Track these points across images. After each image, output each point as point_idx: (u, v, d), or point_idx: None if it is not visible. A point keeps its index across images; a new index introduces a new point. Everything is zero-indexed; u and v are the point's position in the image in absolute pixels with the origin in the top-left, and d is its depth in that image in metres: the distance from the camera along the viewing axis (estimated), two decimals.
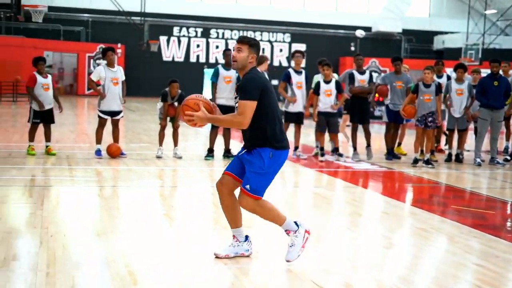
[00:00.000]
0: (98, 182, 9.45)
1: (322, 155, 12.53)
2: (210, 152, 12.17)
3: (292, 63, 13.32)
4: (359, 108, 12.87)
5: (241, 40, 5.36)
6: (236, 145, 13.90)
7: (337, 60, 39.17)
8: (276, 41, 41.22)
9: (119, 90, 11.80)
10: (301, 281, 5.05)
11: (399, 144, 13.89)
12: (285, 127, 12.68)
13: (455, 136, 13.39)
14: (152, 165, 11.14)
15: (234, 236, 5.56)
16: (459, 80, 12.88)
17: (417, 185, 10.56)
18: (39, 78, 11.75)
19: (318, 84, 12.40)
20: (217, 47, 40.71)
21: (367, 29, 40.05)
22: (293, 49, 41.03)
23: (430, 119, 12.07)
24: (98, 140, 11.77)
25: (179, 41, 40.66)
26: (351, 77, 12.89)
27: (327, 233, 6.76)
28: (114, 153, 11.63)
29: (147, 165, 11.10)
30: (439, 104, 12.15)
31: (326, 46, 39.25)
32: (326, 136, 12.73)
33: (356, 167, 11.97)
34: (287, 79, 12.68)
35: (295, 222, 5.50)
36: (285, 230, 5.46)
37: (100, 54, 38.11)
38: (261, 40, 40.75)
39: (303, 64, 13.13)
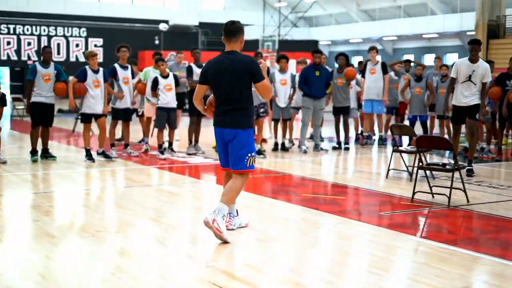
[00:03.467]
0: None
1: (162, 153, 12.19)
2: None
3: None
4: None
5: None
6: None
7: (136, 54, 38.61)
8: (72, 36, 39.68)
9: None
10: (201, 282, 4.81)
11: None
12: (113, 125, 12.28)
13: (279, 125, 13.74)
14: None
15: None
16: (282, 70, 13.22)
17: (260, 176, 10.59)
18: None
19: (156, 79, 12.04)
20: (8, 43, 38.33)
21: (164, 22, 39.86)
22: (90, 44, 39.85)
23: (261, 110, 12.25)
24: None
25: None
26: (190, 71, 12.70)
27: (196, 232, 6.54)
28: None
29: None
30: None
31: (125, 40, 38.29)
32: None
33: (192, 162, 11.83)
34: (113, 74, 12.18)
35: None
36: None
37: None
38: (56, 35, 39.02)
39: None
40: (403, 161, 10.35)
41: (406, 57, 41.35)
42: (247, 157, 6.09)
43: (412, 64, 15.41)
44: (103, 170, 10.83)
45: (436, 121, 14.91)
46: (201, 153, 12.83)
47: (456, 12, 38.99)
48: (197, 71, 12.76)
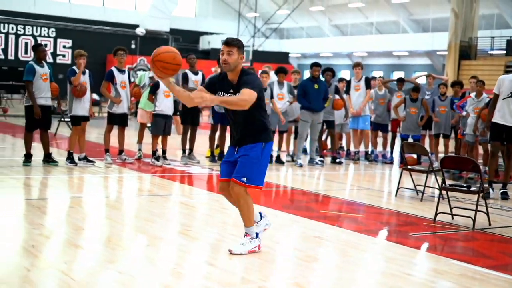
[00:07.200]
0: None
1: (157, 159, 11.89)
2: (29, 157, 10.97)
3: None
4: (192, 110, 12.45)
5: (230, 43, 5.62)
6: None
7: (104, 57, 38.10)
8: (40, 35, 38.82)
9: None
10: None
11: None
12: (108, 130, 11.91)
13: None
14: None
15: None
16: (280, 83, 13.05)
17: (268, 189, 10.26)
18: None
19: (157, 84, 11.72)
20: None
21: (135, 26, 39.42)
22: (59, 45, 39.11)
23: None
24: None
25: None
26: (185, 77, 12.36)
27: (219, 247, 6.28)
28: None
29: None
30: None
31: (95, 43, 37.45)
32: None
33: (193, 172, 11.53)
34: (111, 78, 11.80)
35: (256, 233, 5.92)
36: (246, 232, 5.88)
37: None
38: (24, 34, 38.14)
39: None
40: (412, 180, 10.19)
41: (375, 73, 41.71)
42: None
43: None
44: (100, 176, 10.46)
45: (427, 140, 14.82)
46: (196, 162, 12.53)
47: (427, 31, 39.46)
48: (192, 77, 12.38)
